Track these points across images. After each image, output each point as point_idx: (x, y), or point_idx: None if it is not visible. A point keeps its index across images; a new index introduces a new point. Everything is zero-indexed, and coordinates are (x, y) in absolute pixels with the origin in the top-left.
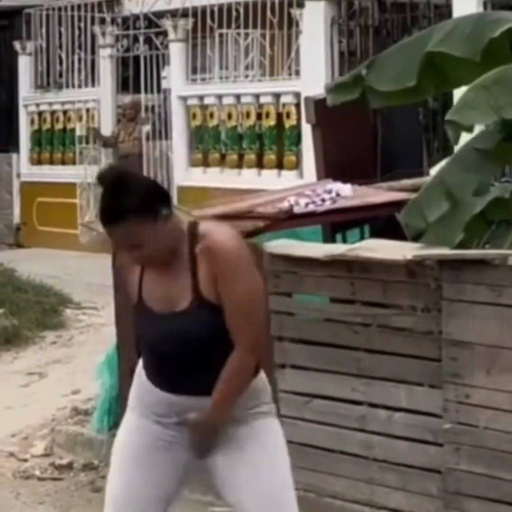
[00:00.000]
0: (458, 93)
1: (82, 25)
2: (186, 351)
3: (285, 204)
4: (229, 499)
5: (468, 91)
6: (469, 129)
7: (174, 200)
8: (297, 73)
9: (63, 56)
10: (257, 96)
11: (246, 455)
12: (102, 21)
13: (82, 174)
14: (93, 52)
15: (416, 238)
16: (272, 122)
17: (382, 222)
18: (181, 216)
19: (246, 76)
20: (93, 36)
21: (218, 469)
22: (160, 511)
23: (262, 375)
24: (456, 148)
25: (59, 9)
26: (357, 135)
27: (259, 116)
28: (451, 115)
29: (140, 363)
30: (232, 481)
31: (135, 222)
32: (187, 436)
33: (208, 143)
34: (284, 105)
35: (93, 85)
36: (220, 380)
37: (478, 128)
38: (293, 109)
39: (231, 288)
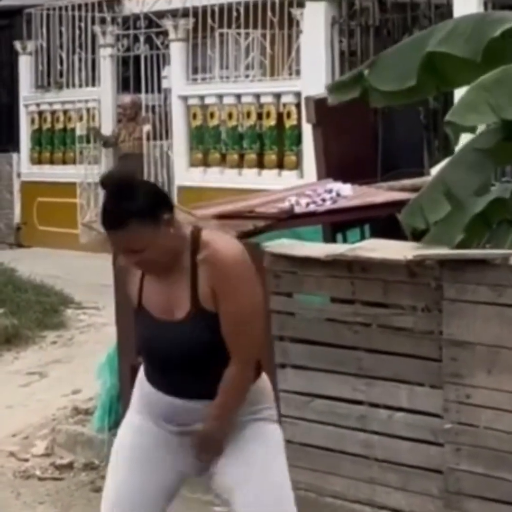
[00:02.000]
0: (459, 92)
1: (82, 24)
2: (185, 359)
3: (285, 204)
4: (228, 499)
5: (468, 91)
6: (472, 130)
7: (175, 200)
8: (298, 73)
9: (64, 55)
10: (257, 96)
11: (244, 454)
12: (103, 20)
13: (83, 174)
14: (93, 51)
15: (416, 238)
16: (272, 122)
17: (383, 222)
18: (184, 221)
19: (247, 76)
20: (94, 36)
21: (217, 471)
22: (158, 510)
23: (263, 378)
24: (457, 148)
25: (60, 8)
26: (357, 134)
27: (259, 116)
28: (451, 116)
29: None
30: (230, 482)
31: (137, 227)
32: (191, 449)
33: (208, 143)
34: (284, 105)
35: (93, 85)
36: (218, 393)
37: (479, 128)
38: (293, 109)
39: (229, 301)
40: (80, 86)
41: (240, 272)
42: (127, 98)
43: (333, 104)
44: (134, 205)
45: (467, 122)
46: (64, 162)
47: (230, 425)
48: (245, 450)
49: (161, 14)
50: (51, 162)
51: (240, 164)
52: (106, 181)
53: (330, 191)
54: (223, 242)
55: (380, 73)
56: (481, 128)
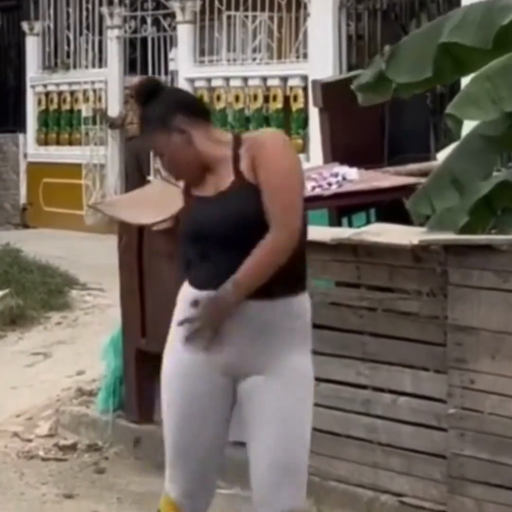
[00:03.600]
0: (466, 79)
1: (89, 6)
2: (229, 230)
3: None
4: (247, 434)
5: (471, 82)
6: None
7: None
8: (305, 56)
9: (71, 37)
10: (264, 79)
11: (271, 402)
12: (110, 2)
13: (88, 155)
14: (100, 33)
15: (423, 224)
16: (279, 105)
17: (389, 206)
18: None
19: (254, 59)
20: (101, 17)
21: (243, 407)
22: (221, 444)
23: (307, 295)
24: (463, 134)
25: None
26: (364, 119)
27: (266, 99)
28: (451, 109)
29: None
30: (252, 429)
31: (151, 134)
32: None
33: (215, 125)
34: (291, 88)
35: (100, 66)
36: (247, 259)
37: None
38: (300, 92)
39: (269, 167)
40: (87, 67)
41: (277, 142)
42: (134, 80)
43: (328, 80)
44: (150, 111)
45: (467, 116)
46: (70, 143)
47: (245, 295)
48: (274, 385)
49: None
50: (58, 143)
51: None
52: (135, 91)
53: (336, 175)
54: (263, 132)
55: (397, 66)
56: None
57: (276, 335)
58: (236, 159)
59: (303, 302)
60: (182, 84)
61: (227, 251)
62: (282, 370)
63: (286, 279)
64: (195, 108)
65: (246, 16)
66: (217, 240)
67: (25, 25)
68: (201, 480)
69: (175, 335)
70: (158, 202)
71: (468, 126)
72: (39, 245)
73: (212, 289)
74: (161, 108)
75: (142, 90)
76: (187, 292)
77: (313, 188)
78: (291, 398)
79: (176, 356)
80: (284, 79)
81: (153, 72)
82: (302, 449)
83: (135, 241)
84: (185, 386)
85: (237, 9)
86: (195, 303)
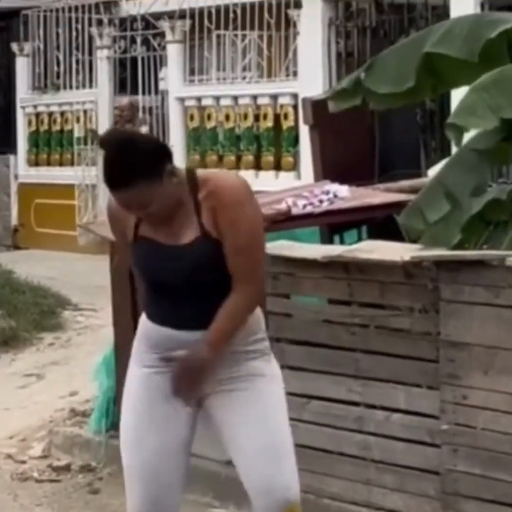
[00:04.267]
0: (456, 93)
1: (79, 26)
2: (189, 283)
3: (282, 205)
4: (225, 441)
5: (468, 93)
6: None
7: None
8: (295, 74)
9: (61, 57)
10: (254, 97)
11: (244, 398)
12: (100, 22)
13: (80, 175)
14: (90, 53)
15: (414, 241)
16: (269, 123)
17: (380, 223)
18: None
19: (244, 78)
20: (91, 38)
21: (214, 410)
22: (182, 462)
23: (257, 310)
24: (454, 149)
25: (57, 10)
26: (354, 136)
27: (256, 118)
28: (452, 119)
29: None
30: (229, 425)
31: (143, 183)
32: (173, 370)
33: (205, 144)
34: (281, 106)
35: (90, 87)
36: (217, 317)
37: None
38: (290, 110)
39: (231, 225)
40: (77, 87)
41: (240, 200)
42: (124, 100)
43: (335, 111)
44: (137, 161)
45: (469, 125)
46: (61, 163)
47: (221, 354)
48: (243, 391)
49: (158, 16)
50: (48, 163)
51: (237, 165)
52: (105, 141)
53: (327, 192)
54: (222, 176)
55: (377, 75)
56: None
57: (235, 358)
58: (197, 207)
59: (255, 319)
60: (172, 103)
61: (189, 297)
62: (245, 377)
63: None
64: (169, 150)
65: (236, 35)
66: (179, 288)
67: (14, 46)
68: (159, 504)
69: (134, 360)
70: None
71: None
72: (31, 266)
73: (170, 327)
74: (148, 157)
75: (114, 141)
76: (147, 327)
77: (305, 206)
78: (262, 395)
79: (134, 378)
80: (274, 97)
81: (143, 92)
82: (285, 439)
83: (126, 261)
84: (143, 405)
85: (226, 28)
86: (167, 359)
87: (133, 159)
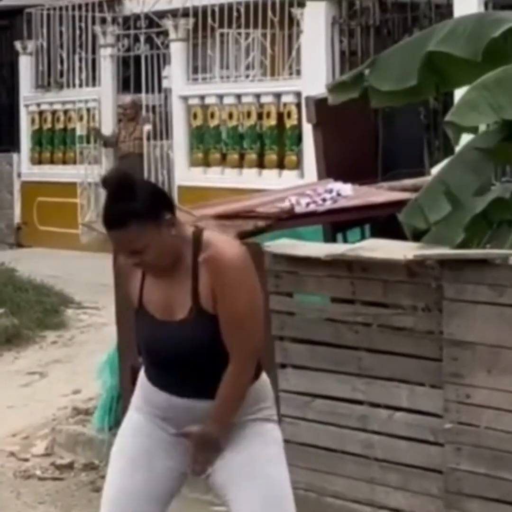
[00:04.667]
0: (459, 92)
1: (83, 24)
2: (185, 359)
3: (286, 204)
4: (225, 496)
5: (468, 91)
6: (472, 130)
7: (175, 199)
8: (298, 72)
9: (64, 55)
10: (258, 95)
11: (242, 452)
12: (103, 20)
13: (83, 174)
14: (94, 51)
15: (416, 238)
16: (273, 121)
17: (383, 222)
18: (186, 222)
19: (247, 76)
20: (94, 36)
21: (216, 471)
22: (159, 510)
23: (263, 378)
24: (457, 148)
25: (60, 8)
26: (358, 134)
27: (260, 116)
28: (451, 116)
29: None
30: (228, 478)
31: (139, 228)
32: (189, 450)
33: (209, 143)
34: (285, 104)
35: (93, 85)
36: (218, 395)
37: (480, 128)
38: (294, 109)
39: (227, 302)
40: (81, 86)
41: (239, 275)
42: (127, 98)
43: (333, 104)
44: (134, 205)
45: (468, 122)
46: (64, 162)
47: (229, 426)
48: (243, 449)
49: (161, 14)
50: (52, 162)
51: (240, 164)
52: (107, 181)
53: (330, 191)
54: (224, 244)
55: (380, 73)
56: (482, 127)
57: (240, 423)
58: (195, 270)
59: (260, 388)
60: (176, 101)
61: (186, 371)
62: (250, 437)
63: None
64: (171, 200)
65: (239, 34)
66: (176, 363)
67: (18, 45)
68: None
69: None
70: None
71: (463, 140)
72: (34, 264)
73: (169, 393)
74: (145, 201)
75: (114, 182)
76: (146, 386)
77: (308, 204)
78: (264, 456)
79: (132, 418)
80: (278, 95)
81: (147, 90)
82: (286, 493)
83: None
84: (135, 441)
85: (230, 26)
86: (184, 434)
87: (129, 200)
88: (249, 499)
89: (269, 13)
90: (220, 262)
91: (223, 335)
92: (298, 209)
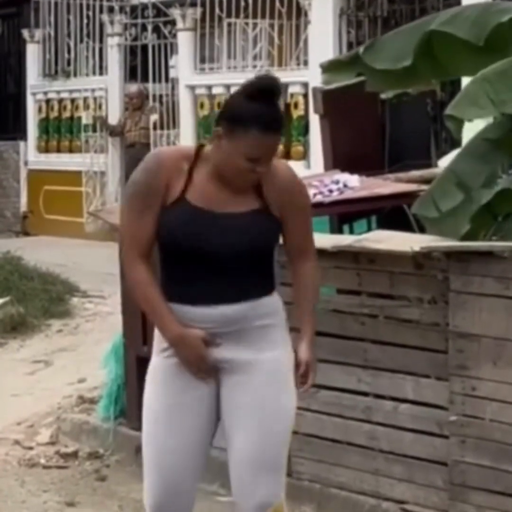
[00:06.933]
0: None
1: (90, 13)
2: (239, 252)
3: None
4: (228, 435)
5: (470, 84)
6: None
7: None
8: (305, 63)
9: (71, 44)
10: None
11: (251, 391)
12: (111, 9)
13: (89, 162)
14: (101, 40)
15: (423, 230)
16: None
17: (390, 213)
18: None
19: (254, 66)
20: (102, 25)
21: (224, 401)
22: (204, 454)
23: (276, 294)
24: (464, 140)
25: None
26: (365, 126)
27: None
28: (451, 109)
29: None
30: (229, 427)
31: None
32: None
33: None
34: (292, 95)
35: (101, 74)
36: (306, 297)
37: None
38: (301, 99)
39: (299, 200)
40: (88, 75)
41: (302, 185)
42: (133, 87)
43: (327, 85)
44: (278, 112)
45: (468, 116)
46: (70, 150)
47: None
48: (253, 382)
49: (169, 4)
50: (58, 150)
51: None
52: (273, 86)
53: (337, 182)
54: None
55: (376, 52)
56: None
57: (257, 333)
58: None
59: (276, 300)
60: (182, 91)
61: (231, 269)
62: (262, 365)
63: (261, 281)
64: None
65: (247, 24)
66: (223, 259)
67: (25, 33)
68: (174, 492)
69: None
70: None
71: (468, 130)
72: (40, 252)
73: (226, 304)
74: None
75: (277, 90)
76: (188, 312)
77: (314, 195)
78: (271, 392)
79: (159, 365)
80: (285, 86)
81: (154, 80)
82: (281, 444)
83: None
84: (168, 392)
85: (237, 16)
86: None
87: (278, 105)
88: (243, 438)
89: (277, 3)
90: (280, 168)
91: (296, 234)
92: None
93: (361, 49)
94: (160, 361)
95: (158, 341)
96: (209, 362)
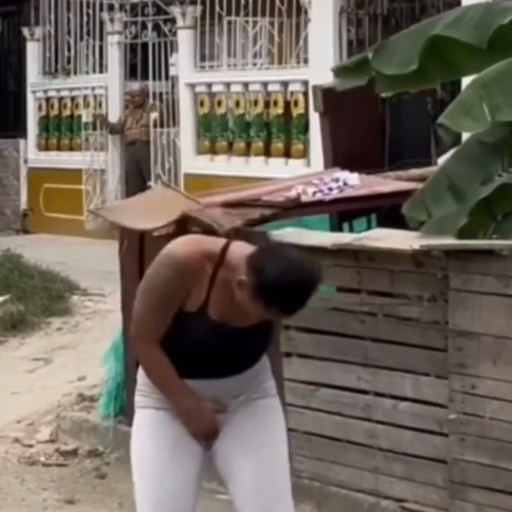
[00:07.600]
0: (467, 82)
1: (90, 11)
2: (251, 360)
3: (292, 193)
4: (228, 478)
5: (466, 89)
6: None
7: (181, 187)
8: (306, 61)
9: (71, 42)
10: (265, 84)
11: (247, 437)
12: (111, 7)
13: (89, 160)
14: (101, 38)
15: (418, 229)
16: (280, 110)
17: (390, 211)
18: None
19: (254, 64)
20: (102, 23)
21: (218, 451)
22: (195, 495)
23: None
24: (463, 139)
25: None
26: (365, 124)
27: (267, 104)
28: (444, 118)
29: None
30: (233, 464)
31: None
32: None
33: (215, 131)
34: (292, 93)
35: (101, 72)
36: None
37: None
38: (301, 98)
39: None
40: (88, 73)
41: None
42: (135, 85)
43: (340, 90)
44: None
45: (460, 128)
46: (70, 148)
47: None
48: (248, 433)
49: (169, 2)
50: (58, 148)
51: (247, 152)
52: (316, 279)
53: (337, 180)
54: None
55: (384, 57)
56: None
57: (247, 389)
58: None
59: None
60: (182, 89)
61: (235, 361)
62: (253, 408)
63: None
64: None
65: (247, 22)
66: (232, 360)
67: (25, 31)
68: None
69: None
70: (159, 207)
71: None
72: (40, 250)
73: (212, 378)
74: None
75: (319, 276)
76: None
77: (314, 193)
78: (265, 427)
79: (149, 412)
80: (285, 84)
81: (154, 78)
82: (285, 474)
83: (136, 247)
84: (159, 434)
85: (237, 14)
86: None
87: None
88: (247, 480)
89: (277, 1)
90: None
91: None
92: (304, 198)
93: (370, 53)
94: (150, 413)
95: (145, 394)
96: (218, 433)
